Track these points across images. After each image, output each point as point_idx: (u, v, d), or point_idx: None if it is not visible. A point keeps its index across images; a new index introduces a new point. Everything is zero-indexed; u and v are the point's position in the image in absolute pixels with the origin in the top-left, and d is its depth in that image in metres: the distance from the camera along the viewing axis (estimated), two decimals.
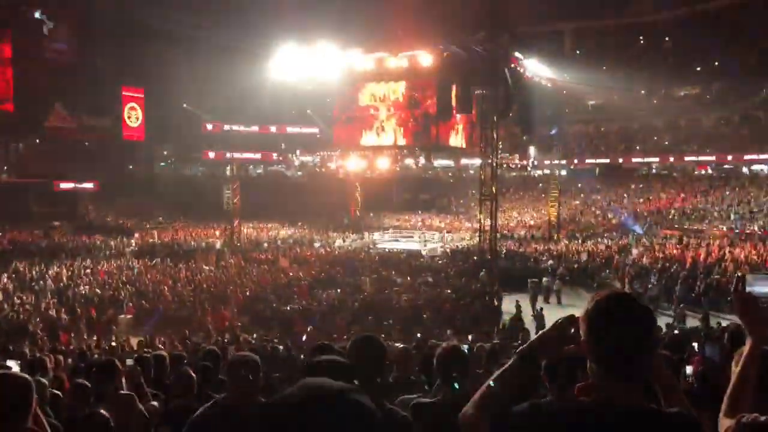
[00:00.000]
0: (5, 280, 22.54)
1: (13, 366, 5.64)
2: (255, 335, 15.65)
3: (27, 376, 2.38)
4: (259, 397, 2.95)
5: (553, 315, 19.35)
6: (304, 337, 15.32)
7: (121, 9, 46.02)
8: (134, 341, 14.30)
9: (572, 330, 1.74)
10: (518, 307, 18.34)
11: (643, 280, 23.96)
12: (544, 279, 23.82)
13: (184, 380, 4.53)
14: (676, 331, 11.67)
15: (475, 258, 28.69)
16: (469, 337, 13.25)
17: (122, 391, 4.27)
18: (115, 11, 46.74)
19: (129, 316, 18.65)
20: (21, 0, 44.39)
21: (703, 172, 54.56)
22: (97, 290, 21.20)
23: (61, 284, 22.08)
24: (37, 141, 50.13)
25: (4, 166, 46.72)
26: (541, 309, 18.52)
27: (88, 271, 25.19)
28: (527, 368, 1.74)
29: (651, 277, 24.16)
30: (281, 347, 11.17)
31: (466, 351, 3.17)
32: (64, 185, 46.53)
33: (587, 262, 27.94)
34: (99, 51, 50.02)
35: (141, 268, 25.97)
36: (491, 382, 1.72)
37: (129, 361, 6.21)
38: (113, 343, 12.89)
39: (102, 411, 3.82)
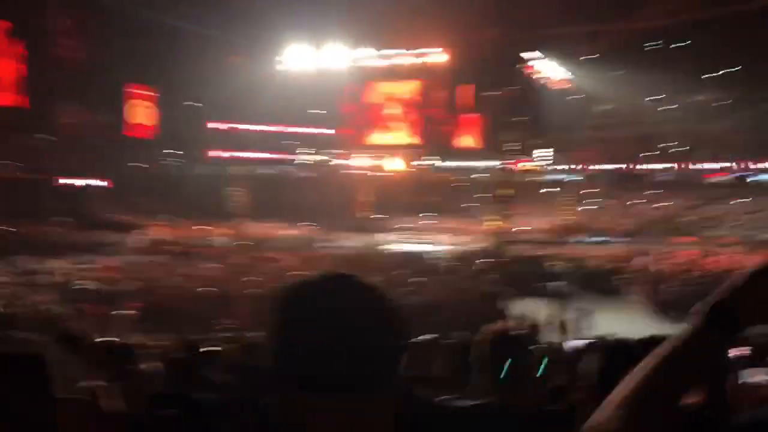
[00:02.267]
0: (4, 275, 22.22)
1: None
2: (262, 333, 15.16)
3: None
4: None
5: (566, 320, 18.88)
6: None
7: (131, 7, 45.85)
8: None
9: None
10: (533, 310, 17.86)
11: (657, 285, 23.40)
12: (557, 283, 23.32)
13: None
14: None
15: (486, 260, 28.16)
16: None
17: None
18: (126, 9, 46.57)
19: (133, 312, 18.22)
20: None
21: (716, 179, 53.90)
22: (101, 285, 20.83)
23: (63, 279, 21.75)
24: (48, 138, 49.96)
25: (15, 162, 46.51)
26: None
27: (93, 266, 24.87)
28: (713, 337, 1.03)
29: (668, 283, 23.59)
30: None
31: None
32: (74, 182, 46.39)
33: (601, 267, 27.39)
34: (110, 49, 49.82)
35: (145, 264, 25.61)
36: (648, 368, 1.04)
37: None
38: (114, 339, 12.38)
39: None
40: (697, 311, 1.05)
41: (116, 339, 6.91)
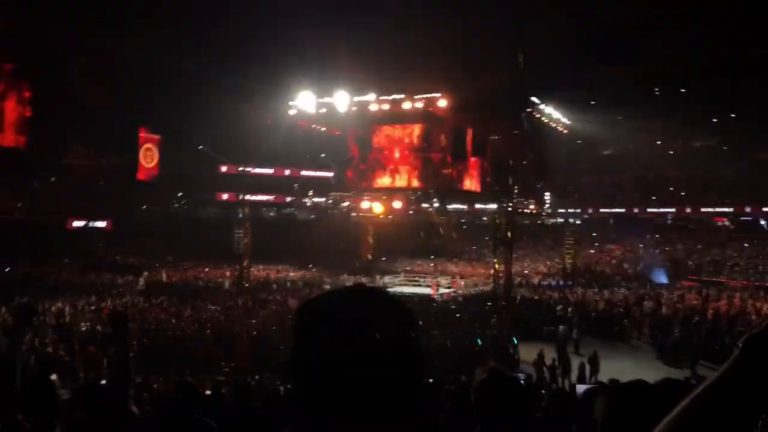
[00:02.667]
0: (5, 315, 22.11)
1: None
2: (257, 377, 15.00)
3: None
4: None
5: (572, 364, 18.67)
6: None
7: (141, 50, 46.62)
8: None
9: None
10: (541, 353, 17.69)
11: (663, 331, 23.14)
12: (561, 327, 23.09)
13: None
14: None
15: (489, 304, 27.98)
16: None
17: None
18: (135, 52, 47.37)
19: (131, 355, 18.06)
20: (44, 40, 45.02)
21: (720, 223, 53.83)
22: (98, 327, 20.68)
23: (61, 320, 21.62)
24: (53, 179, 50.40)
25: (19, 203, 46.78)
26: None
27: (92, 308, 24.76)
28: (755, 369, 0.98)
29: (671, 328, 23.34)
30: (282, 389, 10.54)
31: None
32: (77, 223, 46.54)
33: (605, 311, 27.15)
34: (118, 92, 50.54)
35: (145, 306, 25.49)
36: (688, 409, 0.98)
37: None
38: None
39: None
40: (740, 345, 1.02)
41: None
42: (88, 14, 40.70)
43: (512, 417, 1.91)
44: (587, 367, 17.84)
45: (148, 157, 53.50)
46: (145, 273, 37.85)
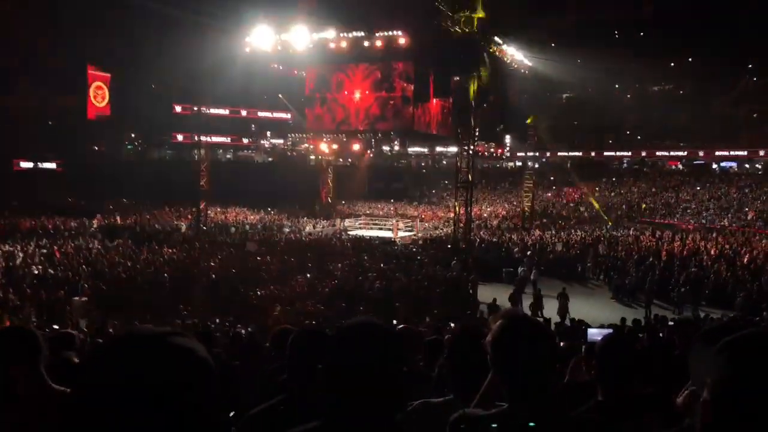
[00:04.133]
0: None
1: None
2: (217, 320, 14.77)
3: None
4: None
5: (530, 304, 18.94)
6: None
7: None
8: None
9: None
10: (494, 300, 17.76)
11: (619, 272, 23.60)
12: (520, 269, 23.35)
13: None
14: (671, 323, 11.00)
15: (449, 246, 28.09)
16: (452, 325, 12.43)
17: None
18: None
19: (84, 299, 17.57)
20: None
21: (674, 167, 55.00)
22: (51, 271, 20.04)
23: (11, 264, 20.86)
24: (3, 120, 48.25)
25: None
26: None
27: (44, 251, 23.94)
28: None
29: (627, 269, 23.82)
30: (243, 332, 10.33)
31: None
32: (24, 164, 44.89)
33: (562, 253, 27.55)
34: (70, 28, 48.07)
35: (99, 249, 24.79)
36: None
37: None
38: (56, 326, 11.81)
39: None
40: None
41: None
42: None
43: (542, 366, 1.72)
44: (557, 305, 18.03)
45: (99, 96, 51.46)
46: (98, 215, 36.72)
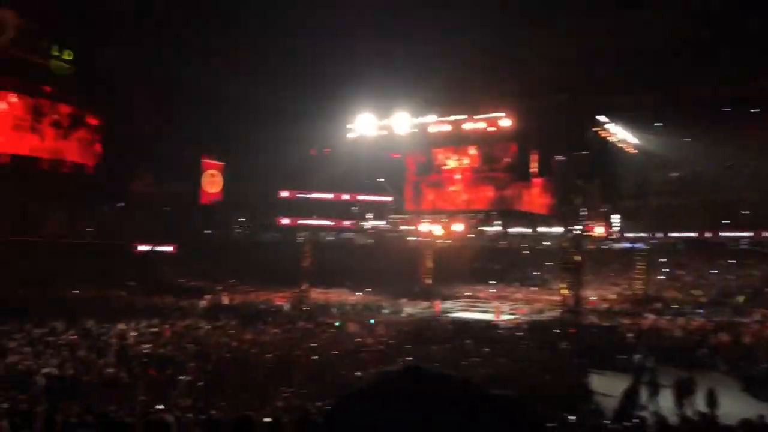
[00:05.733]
0: (73, 335, 22.54)
1: None
2: (318, 404, 14.46)
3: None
4: None
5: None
6: None
7: (203, 81, 47.78)
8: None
9: None
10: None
11: (749, 360, 21.52)
12: (636, 356, 21.76)
13: None
14: None
15: (557, 331, 26.79)
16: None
17: None
18: (197, 83, 48.58)
19: (189, 378, 17.82)
20: (115, 73, 46.56)
21: None
22: (161, 350, 20.68)
23: (124, 342, 21.76)
24: (120, 205, 51.96)
25: (89, 228, 48.29)
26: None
27: (155, 330, 24.89)
28: None
29: (757, 357, 21.70)
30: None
31: None
32: (142, 247, 47.71)
33: (681, 340, 25.60)
34: (182, 121, 51.85)
35: (206, 329, 25.49)
36: None
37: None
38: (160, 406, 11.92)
39: None
40: None
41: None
42: (147, 45, 41.83)
43: None
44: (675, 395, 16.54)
45: (212, 183, 54.70)
46: (207, 296, 38.18)
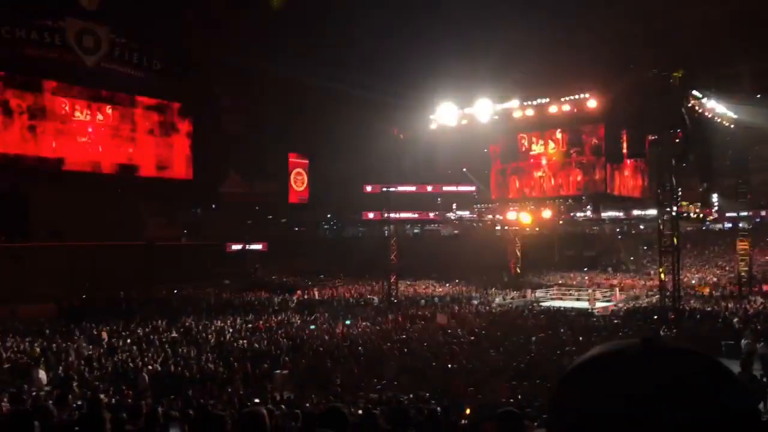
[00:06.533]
0: (174, 333, 23.63)
1: None
2: (411, 395, 14.44)
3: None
4: None
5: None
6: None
7: (287, 79, 48.56)
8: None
9: None
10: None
11: None
12: (743, 341, 20.48)
13: None
14: None
15: (656, 317, 25.65)
16: None
17: None
18: (282, 81, 49.45)
19: (285, 372, 18.21)
20: (201, 78, 48.08)
21: None
22: (255, 345, 21.29)
23: (222, 338, 22.57)
24: (213, 206, 53.86)
25: (184, 230, 50.36)
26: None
27: (250, 326, 25.69)
28: None
29: None
30: (439, 409, 9.86)
31: None
32: (235, 247, 49.38)
33: None
34: (269, 120, 53.06)
35: (299, 323, 26.05)
36: None
37: None
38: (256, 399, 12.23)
39: None
40: None
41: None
42: (233, 46, 42.82)
43: None
44: None
45: (299, 181, 55.82)
46: (298, 291, 39.17)
